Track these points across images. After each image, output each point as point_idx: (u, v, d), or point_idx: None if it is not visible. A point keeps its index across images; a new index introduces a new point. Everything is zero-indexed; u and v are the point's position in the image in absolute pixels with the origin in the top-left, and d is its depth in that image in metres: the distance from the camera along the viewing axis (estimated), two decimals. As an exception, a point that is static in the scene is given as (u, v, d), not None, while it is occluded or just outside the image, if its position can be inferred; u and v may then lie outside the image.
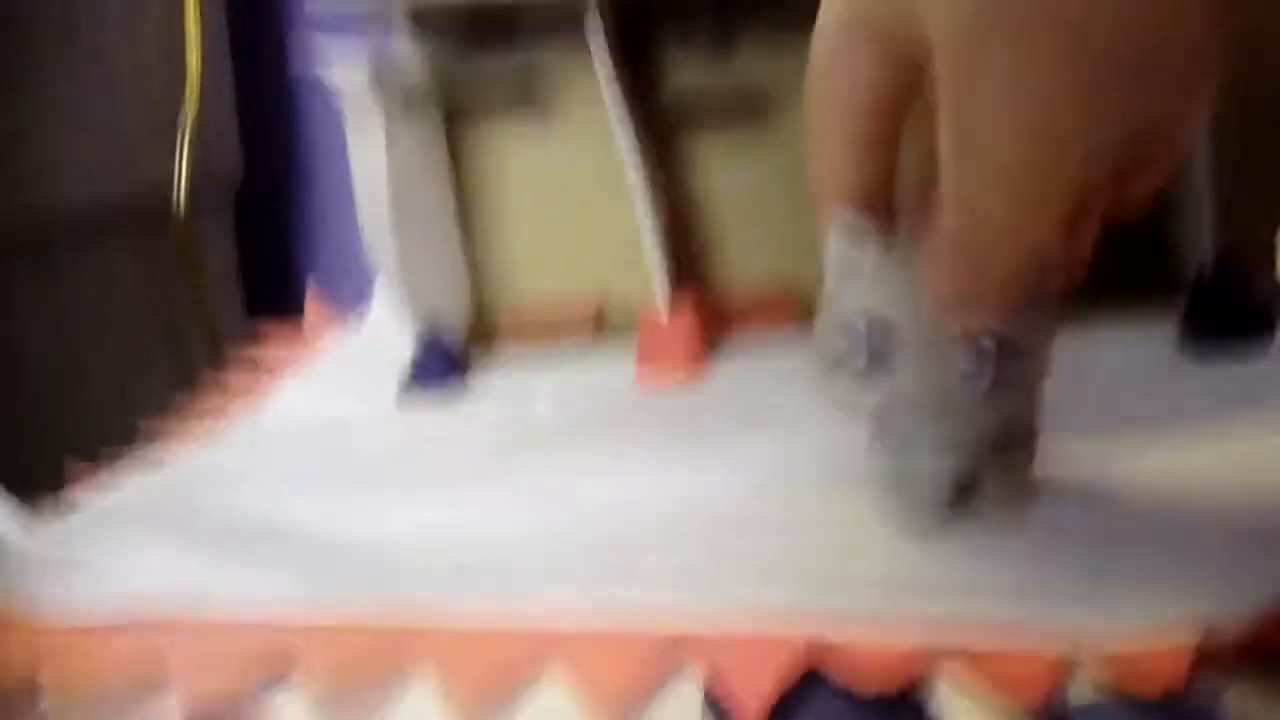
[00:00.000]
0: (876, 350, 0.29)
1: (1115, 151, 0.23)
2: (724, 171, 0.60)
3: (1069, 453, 0.33)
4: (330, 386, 0.56)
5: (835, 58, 0.27)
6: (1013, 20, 0.21)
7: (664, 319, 0.52)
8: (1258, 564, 0.27)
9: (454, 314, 0.60)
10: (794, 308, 0.54)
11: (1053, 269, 0.28)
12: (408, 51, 0.58)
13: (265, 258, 0.95)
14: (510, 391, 0.52)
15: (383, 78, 0.52)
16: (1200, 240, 0.48)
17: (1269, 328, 0.45)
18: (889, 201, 0.29)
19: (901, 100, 0.27)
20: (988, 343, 0.28)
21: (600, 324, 0.59)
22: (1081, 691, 0.23)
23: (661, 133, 0.59)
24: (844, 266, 0.30)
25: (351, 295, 0.65)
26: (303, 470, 0.44)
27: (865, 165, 0.28)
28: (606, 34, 0.52)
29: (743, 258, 0.60)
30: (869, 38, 0.25)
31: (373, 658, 0.28)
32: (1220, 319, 0.45)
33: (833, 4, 0.26)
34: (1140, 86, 0.22)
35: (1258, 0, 0.21)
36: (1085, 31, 0.21)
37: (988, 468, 0.30)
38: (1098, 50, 0.21)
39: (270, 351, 0.62)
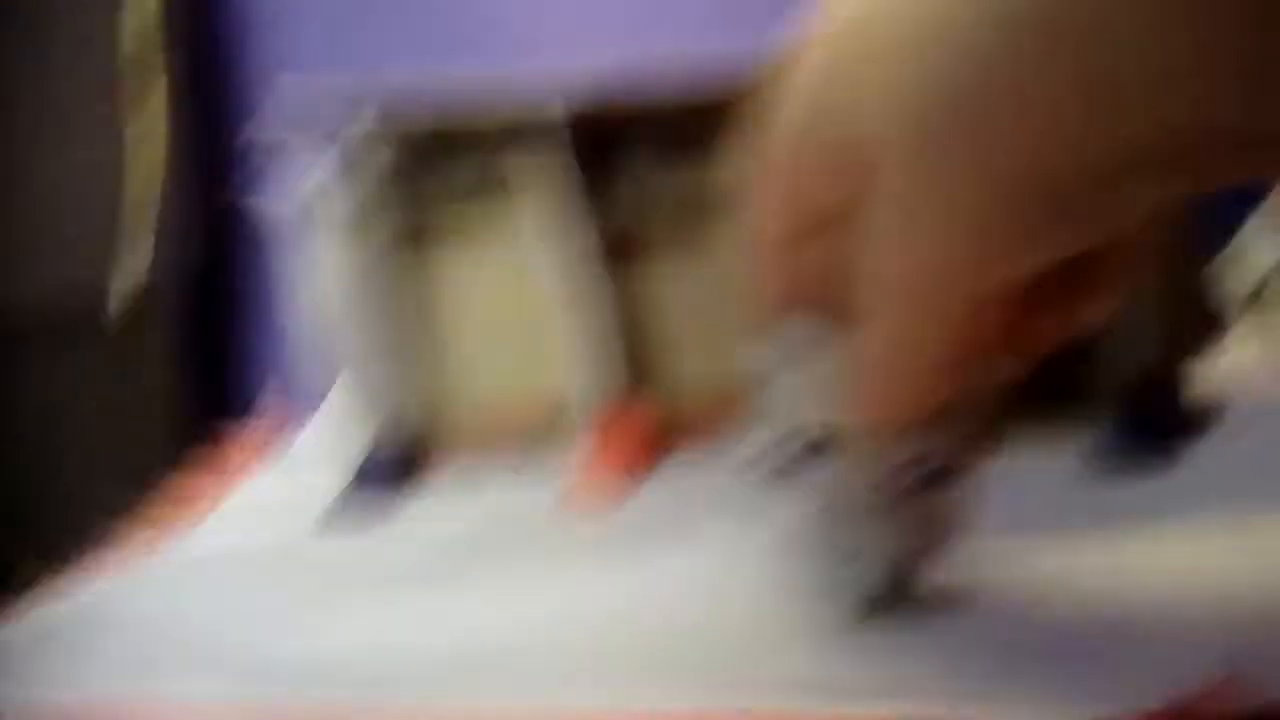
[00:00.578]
0: (800, 458, 0.29)
1: (1034, 270, 0.23)
2: (672, 281, 0.61)
3: (986, 555, 0.34)
4: (272, 497, 0.56)
5: (783, 163, 0.27)
6: (947, 141, 0.21)
7: (609, 428, 0.53)
8: (1158, 665, 0.28)
9: (402, 421, 0.60)
10: (740, 415, 0.55)
11: (977, 385, 0.28)
12: (361, 165, 0.60)
13: (219, 351, 0.95)
14: (449, 502, 0.53)
15: (335, 192, 0.53)
16: (1117, 360, 0.49)
17: (1181, 443, 0.47)
18: (825, 307, 0.29)
19: (842, 209, 0.26)
20: (904, 462, 0.28)
21: (547, 431, 0.60)
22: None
23: (610, 243, 0.60)
24: (776, 372, 0.30)
25: (306, 391, 0.66)
26: (239, 582, 0.44)
27: (801, 271, 0.28)
28: (557, 148, 0.53)
29: (691, 366, 0.61)
30: (817, 147, 0.25)
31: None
32: (1134, 435, 0.47)
33: (783, 111, 0.26)
34: (1068, 214, 0.21)
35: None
36: (1009, 153, 0.20)
37: (908, 575, 0.31)
38: (1022, 174, 0.20)
39: (214, 461, 0.63)
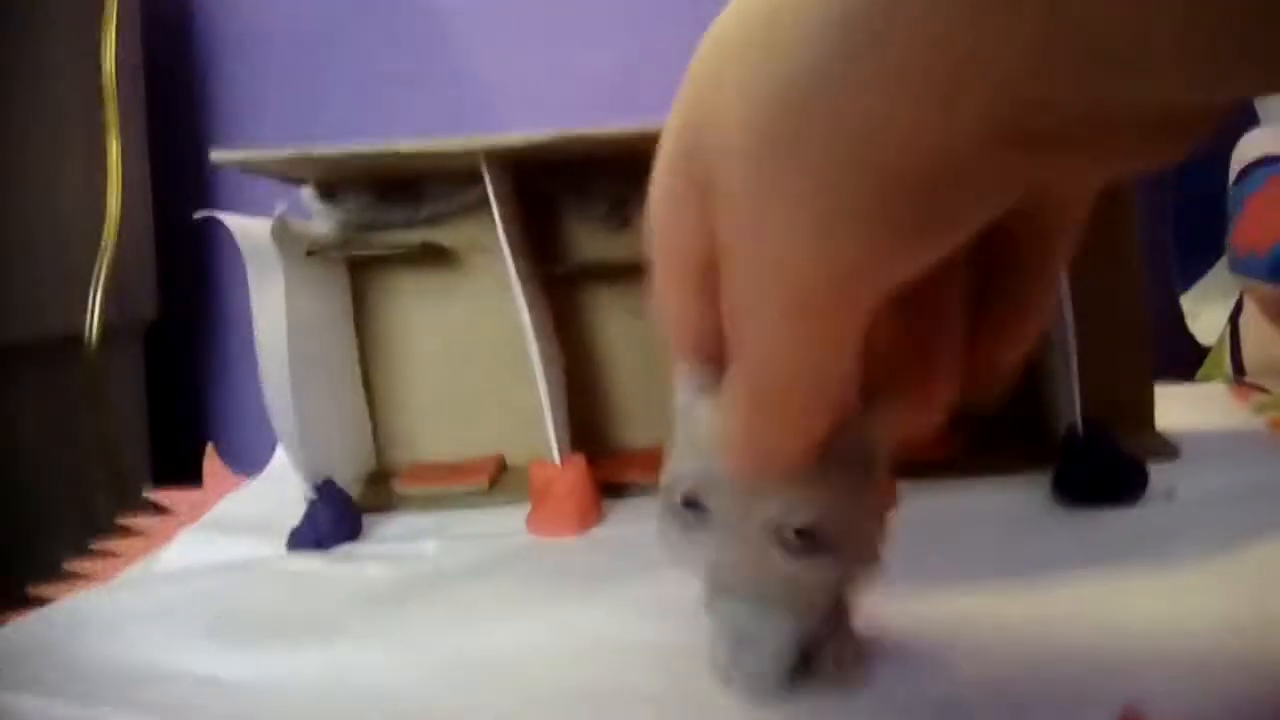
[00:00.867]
0: (703, 511, 0.27)
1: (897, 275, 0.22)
2: (621, 329, 0.62)
3: (933, 599, 0.34)
4: (225, 534, 0.55)
5: (661, 204, 0.26)
6: (780, 135, 0.20)
7: (558, 473, 0.53)
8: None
9: (350, 466, 0.60)
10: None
11: (870, 438, 0.27)
12: (315, 209, 0.60)
13: (175, 392, 0.95)
14: (400, 544, 0.52)
15: (288, 233, 0.53)
16: (1069, 403, 0.50)
17: (1137, 483, 0.48)
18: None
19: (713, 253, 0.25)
20: (787, 533, 0.26)
21: (496, 477, 0.60)
22: None
23: (561, 293, 0.61)
24: (685, 418, 0.28)
25: (258, 437, 0.66)
26: (190, 616, 0.44)
27: (701, 312, 0.26)
28: (504, 198, 0.54)
29: (639, 414, 0.62)
30: (688, 184, 0.24)
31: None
32: (1088, 475, 0.47)
33: (659, 151, 0.26)
34: (918, 215, 0.20)
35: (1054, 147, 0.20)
36: (842, 142, 0.19)
37: (815, 642, 0.30)
38: (858, 163, 0.20)
39: (169, 496, 0.62)
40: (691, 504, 0.27)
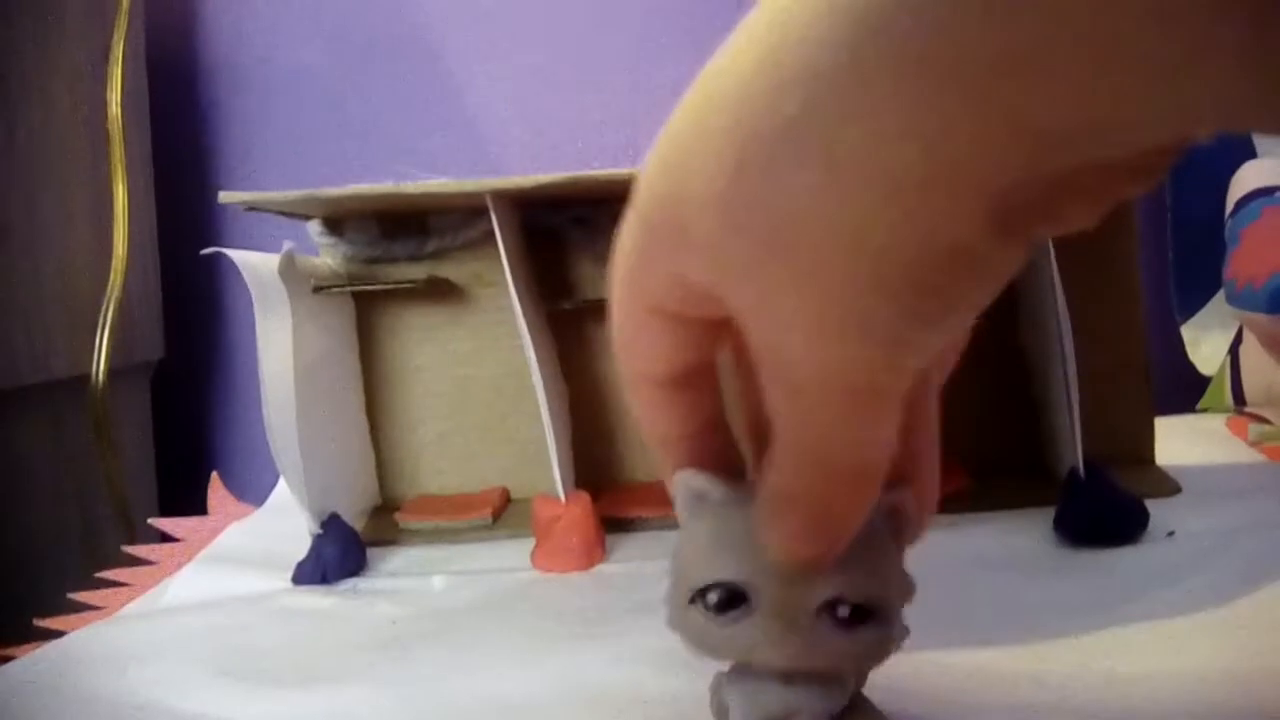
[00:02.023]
0: (726, 614, 0.27)
1: (912, 351, 0.21)
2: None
3: (941, 656, 0.35)
4: (230, 567, 0.56)
5: (627, 334, 0.26)
6: (790, 250, 0.20)
7: (562, 508, 0.53)
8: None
9: (354, 499, 0.60)
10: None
11: (898, 515, 0.27)
12: (321, 243, 0.61)
13: (182, 433, 0.96)
14: (406, 579, 0.53)
15: (295, 268, 0.53)
16: (1070, 442, 0.50)
17: (1137, 523, 0.48)
18: (724, 445, 0.28)
19: (700, 358, 0.26)
20: (843, 610, 0.26)
21: (501, 511, 0.60)
22: None
23: (567, 327, 0.61)
24: (687, 526, 0.28)
25: (265, 474, 0.66)
26: (195, 653, 0.44)
27: (685, 425, 0.27)
28: (510, 234, 0.54)
29: (643, 448, 0.62)
30: (655, 311, 0.24)
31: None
32: (1089, 516, 0.48)
33: (616, 281, 0.25)
34: (918, 308, 0.20)
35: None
36: (866, 248, 0.19)
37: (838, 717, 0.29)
38: (871, 267, 0.19)
39: (175, 524, 0.63)
40: (727, 602, 0.27)
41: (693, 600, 0.28)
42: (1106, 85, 0.16)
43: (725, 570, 0.27)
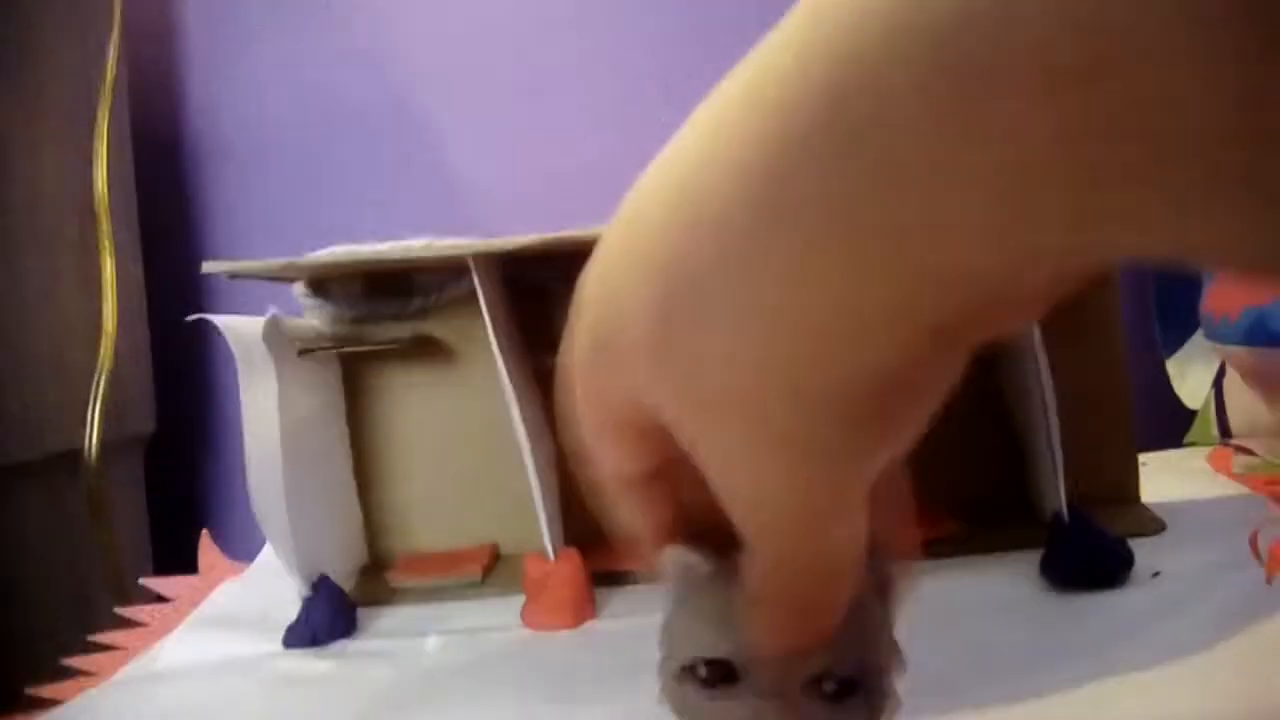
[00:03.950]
0: (715, 689, 0.27)
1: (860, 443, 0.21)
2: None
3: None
4: (221, 630, 0.56)
5: (590, 434, 0.25)
6: (722, 381, 0.20)
7: (551, 564, 0.54)
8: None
9: (343, 560, 0.60)
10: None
11: (879, 586, 0.27)
12: (306, 305, 0.61)
13: (175, 505, 0.96)
14: (396, 639, 0.53)
15: (280, 332, 0.54)
16: (1054, 487, 0.51)
17: (1122, 566, 0.48)
18: (709, 520, 0.26)
19: (668, 455, 0.24)
20: (829, 686, 0.26)
21: (490, 567, 0.60)
22: None
23: (553, 381, 0.61)
24: (677, 600, 0.28)
25: (259, 539, 0.66)
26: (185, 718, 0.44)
27: (663, 514, 0.27)
28: (493, 292, 0.54)
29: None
30: (612, 422, 0.24)
31: None
32: (1074, 561, 0.48)
33: (573, 393, 0.25)
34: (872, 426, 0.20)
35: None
36: (799, 380, 0.19)
37: None
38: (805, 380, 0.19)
39: (166, 584, 0.63)
40: (717, 677, 0.27)
41: (683, 674, 0.27)
42: (1014, 239, 0.16)
43: (713, 647, 0.27)
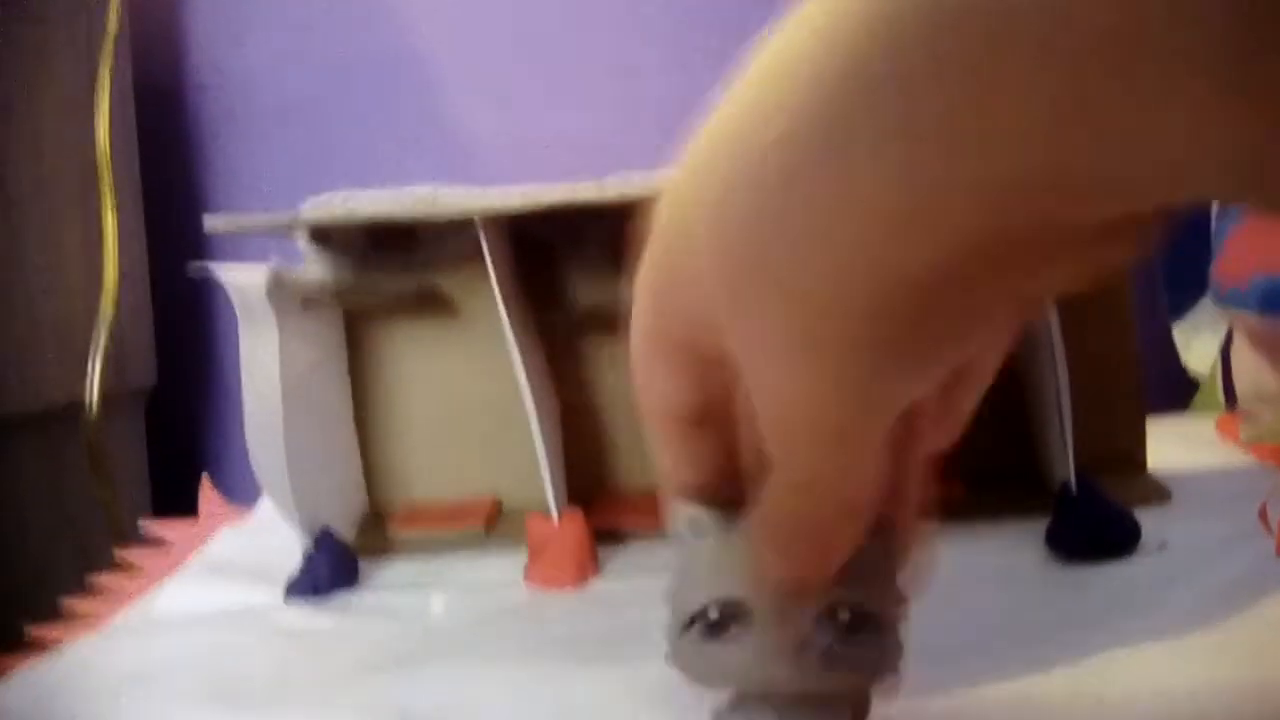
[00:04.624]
0: (722, 635, 0.27)
1: (900, 382, 0.22)
2: (619, 377, 0.62)
3: (935, 684, 0.35)
4: (221, 578, 0.56)
5: (645, 371, 0.26)
6: (773, 277, 0.20)
7: (555, 524, 0.53)
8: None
9: (344, 512, 0.60)
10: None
11: (888, 528, 0.27)
12: (309, 255, 0.60)
13: (176, 460, 0.96)
14: (399, 593, 0.53)
15: (281, 282, 0.53)
16: (1062, 456, 0.50)
17: (1129, 537, 0.48)
18: (734, 478, 0.28)
19: (716, 395, 0.26)
20: (844, 614, 0.26)
21: (493, 521, 0.60)
22: None
23: (560, 341, 0.61)
24: (688, 552, 0.29)
25: (258, 494, 0.66)
26: (187, 679, 0.44)
27: (696, 462, 0.27)
28: (499, 248, 0.54)
29: (636, 457, 0.62)
30: (668, 346, 0.25)
31: None
32: (1081, 532, 0.48)
33: (634, 318, 0.26)
34: (912, 330, 0.20)
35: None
36: (844, 280, 0.20)
37: None
38: (859, 299, 0.20)
39: (166, 528, 0.63)
40: (720, 624, 0.27)
41: (689, 625, 0.28)
42: (1062, 142, 0.17)
43: (721, 588, 0.27)
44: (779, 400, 0.22)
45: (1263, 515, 0.48)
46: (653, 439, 0.28)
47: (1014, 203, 0.18)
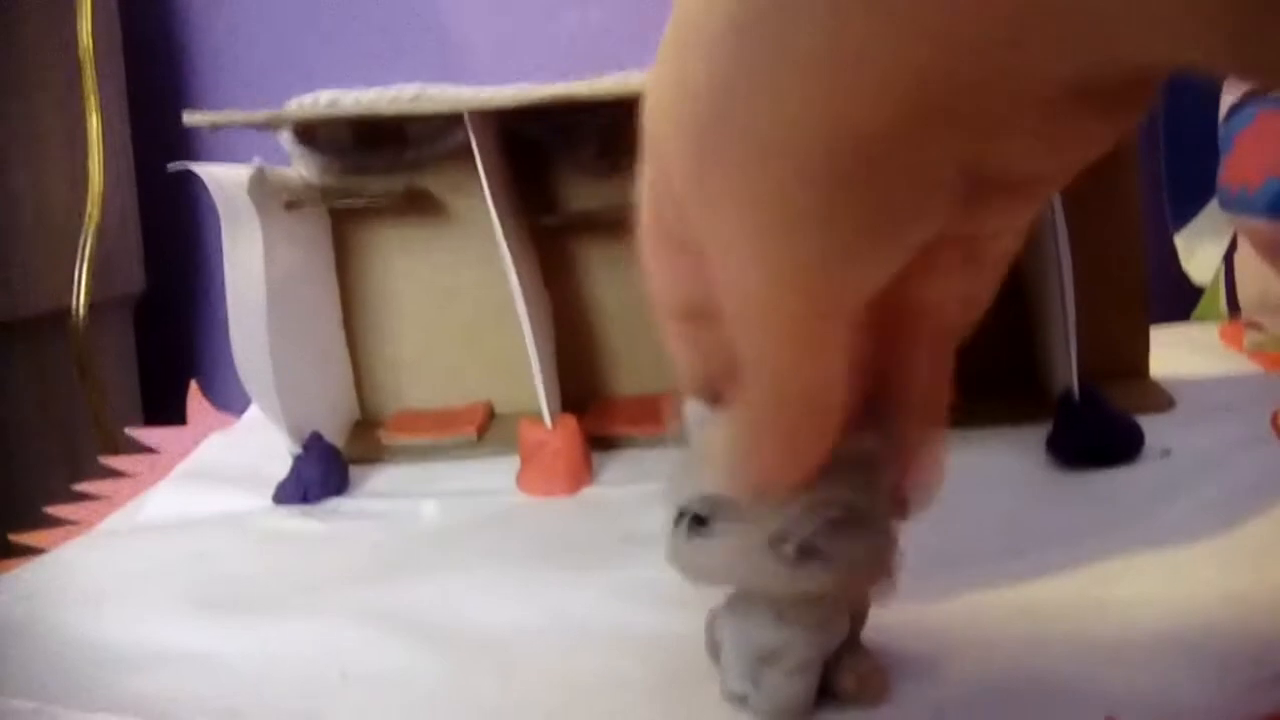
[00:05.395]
0: (712, 528, 0.27)
1: (864, 264, 0.21)
2: (613, 281, 0.61)
3: (935, 592, 0.34)
4: (209, 484, 0.55)
5: (648, 260, 0.26)
6: (727, 147, 0.20)
7: (548, 430, 0.53)
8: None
9: (334, 417, 0.59)
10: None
11: (871, 450, 0.27)
12: (294, 154, 0.59)
13: (166, 367, 0.95)
14: (389, 500, 0.52)
15: (266, 183, 0.52)
16: (1065, 362, 0.49)
17: (1132, 444, 0.47)
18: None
19: (699, 281, 0.25)
20: (789, 552, 0.26)
21: (485, 427, 0.59)
22: None
23: (553, 245, 0.60)
24: (693, 443, 0.28)
25: (248, 400, 0.65)
26: (174, 584, 0.43)
27: (698, 357, 0.27)
28: (489, 147, 0.52)
29: (629, 361, 0.61)
30: (668, 241, 0.25)
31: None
32: (1083, 439, 0.47)
33: (638, 215, 0.26)
34: (866, 197, 0.20)
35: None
36: (795, 139, 0.19)
37: (832, 659, 0.29)
38: (810, 171, 0.19)
39: (153, 434, 0.62)
40: (705, 519, 0.27)
41: (679, 521, 0.28)
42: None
43: (707, 484, 0.27)
44: (738, 292, 0.22)
45: (1275, 423, 0.47)
46: (665, 339, 0.28)
47: (949, 46, 0.17)
